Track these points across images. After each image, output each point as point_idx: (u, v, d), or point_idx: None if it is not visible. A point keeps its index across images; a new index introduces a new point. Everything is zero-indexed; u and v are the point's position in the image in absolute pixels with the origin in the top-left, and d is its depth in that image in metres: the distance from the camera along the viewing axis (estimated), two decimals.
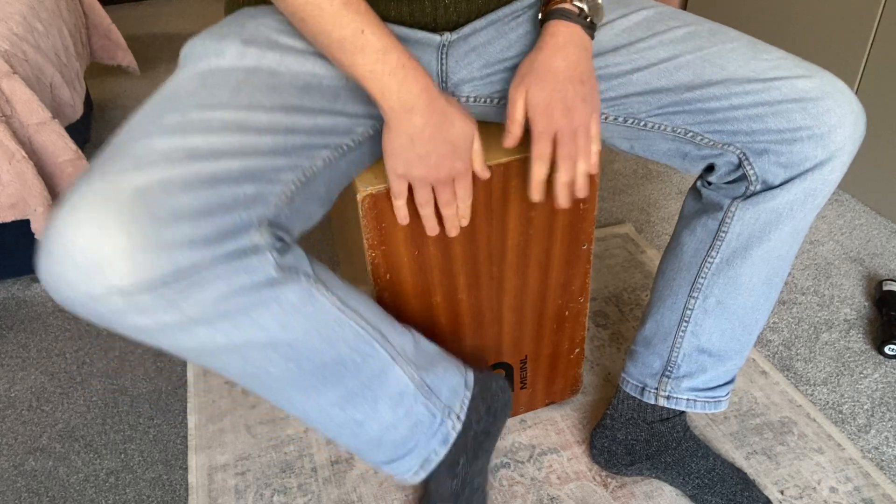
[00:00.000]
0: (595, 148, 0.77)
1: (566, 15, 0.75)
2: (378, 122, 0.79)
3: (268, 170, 0.67)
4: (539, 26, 0.78)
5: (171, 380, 1.27)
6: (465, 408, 0.87)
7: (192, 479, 1.08)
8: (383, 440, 0.81)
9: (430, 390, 0.83)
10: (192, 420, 1.18)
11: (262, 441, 1.14)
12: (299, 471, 1.09)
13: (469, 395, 0.88)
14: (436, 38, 0.80)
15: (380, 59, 0.68)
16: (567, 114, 0.74)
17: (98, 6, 2.05)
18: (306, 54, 0.74)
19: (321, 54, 0.74)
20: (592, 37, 0.77)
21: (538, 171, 0.76)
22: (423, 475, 0.86)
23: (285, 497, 1.05)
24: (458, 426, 0.86)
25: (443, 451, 0.85)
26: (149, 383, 1.26)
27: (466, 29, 0.81)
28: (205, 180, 0.61)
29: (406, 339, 0.82)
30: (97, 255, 0.55)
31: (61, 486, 1.10)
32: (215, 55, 0.71)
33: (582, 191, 0.78)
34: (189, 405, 1.20)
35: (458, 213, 0.80)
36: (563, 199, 0.78)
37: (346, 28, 0.67)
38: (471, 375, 0.90)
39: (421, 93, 0.70)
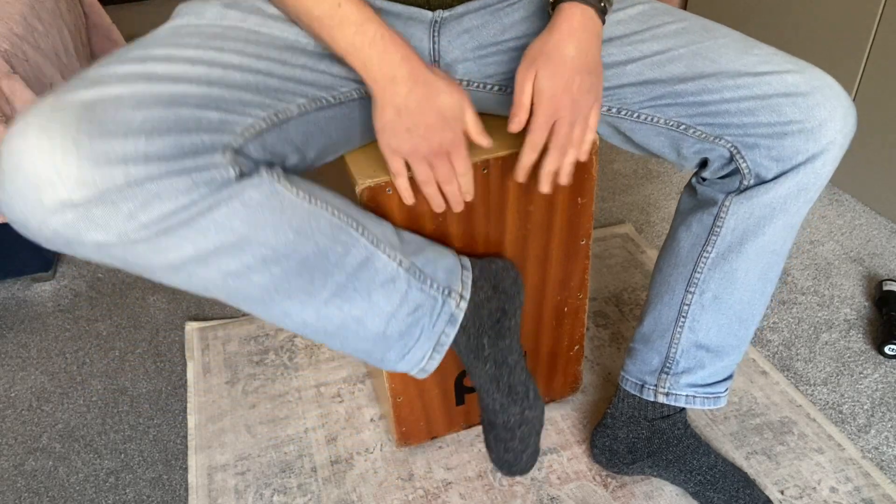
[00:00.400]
0: (590, 137, 0.78)
1: None
2: (363, 87, 0.79)
3: (234, 101, 0.67)
4: (550, 8, 0.77)
5: (171, 380, 1.26)
6: (468, 287, 0.85)
7: (192, 479, 1.08)
8: (388, 334, 0.79)
9: (423, 273, 0.81)
10: (192, 420, 1.18)
11: (262, 441, 1.14)
12: (299, 471, 1.09)
13: (469, 274, 0.86)
14: (427, 13, 0.81)
15: (358, 30, 0.69)
16: (571, 105, 0.74)
17: (98, 6, 2.05)
18: (291, 23, 0.74)
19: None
20: (604, 22, 0.77)
21: (528, 158, 0.77)
22: (437, 359, 0.84)
23: (285, 497, 1.05)
24: (464, 304, 0.84)
25: (452, 332, 0.84)
26: (149, 383, 1.26)
27: (459, 8, 0.81)
28: (161, 100, 0.61)
29: (386, 228, 0.80)
30: (46, 168, 0.55)
31: (61, 486, 1.10)
32: (195, 15, 0.73)
33: (565, 178, 0.78)
34: (189, 405, 1.20)
35: (461, 189, 0.79)
36: (545, 186, 0.78)
37: (324, 3, 0.68)
38: (465, 259, 0.88)
39: (402, 61, 0.70)
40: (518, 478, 1.06)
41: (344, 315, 0.75)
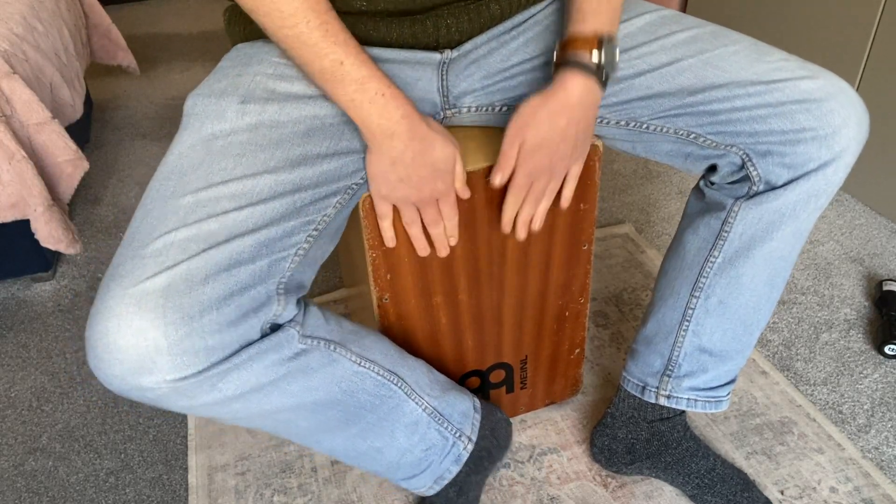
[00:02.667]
0: (567, 191, 0.83)
1: (584, 68, 0.74)
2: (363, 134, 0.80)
3: (280, 237, 0.70)
4: (553, 70, 0.77)
5: None
6: (476, 429, 0.93)
7: (192, 479, 1.08)
8: (401, 463, 0.88)
9: (443, 416, 0.89)
10: (192, 420, 1.18)
11: (262, 441, 1.14)
12: (299, 471, 1.09)
13: (479, 417, 0.94)
14: (436, 56, 0.80)
15: (359, 88, 0.69)
16: (551, 167, 0.78)
17: (98, 6, 2.05)
18: (305, 99, 0.75)
19: (320, 97, 0.75)
20: (604, 90, 0.77)
21: (509, 213, 0.82)
22: (436, 489, 0.92)
23: (285, 497, 1.05)
24: (471, 447, 0.92)
25: (455, 470, 0.92)
26: None
27: (468, 45, 0.81)
28: (222, 266, 0.66)
29: (419, 374, 0.88)
30: (142, 357, 0.62)
31: (61, 486, 1.10)
32: (216, 117, 0.73)
33: (538, 224, 0.84)
34: None
35: (446, 233, 0.82)
36: (522, 233, 0.84)
37: (325, 59, 0.68)
38: (476, 400, 0.96)
39: (401, 119, 0.71)
40: (518, 478, 1.06)
41: (367, 445, 0.84)
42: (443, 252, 0.84)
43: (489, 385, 1.07)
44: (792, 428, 1.12)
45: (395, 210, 0.81)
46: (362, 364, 0.79)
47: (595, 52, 0.74)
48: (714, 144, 0.80)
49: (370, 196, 0.82)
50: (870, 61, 1.53)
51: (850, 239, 1.53)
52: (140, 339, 0.62)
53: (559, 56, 0.76)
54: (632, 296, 1.40)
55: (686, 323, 0.90)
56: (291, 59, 0.72)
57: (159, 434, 1.17)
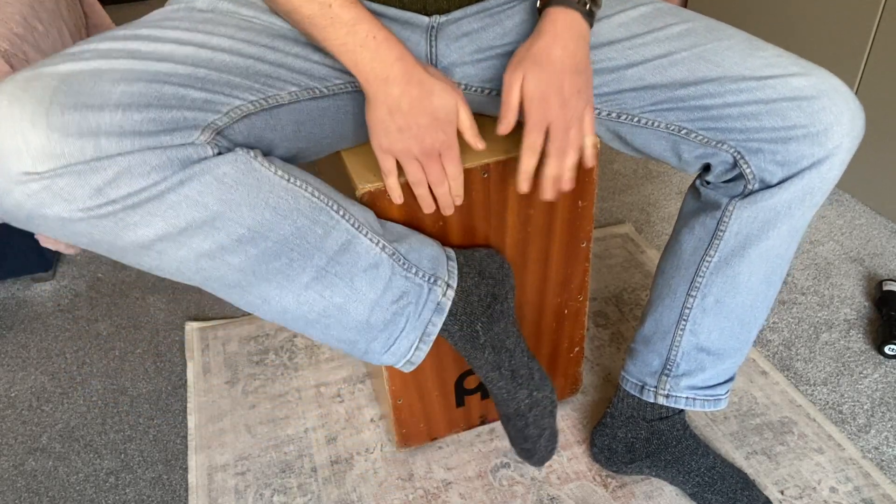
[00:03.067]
0: (589, 141, 0.77)
1: (566, 2, 0.75)
2: (357, 81, 0.77)
3: (221, 83, 0.66)
4: (538, 13, 0.77)
5: (171, 380, 1.27)
6: (454, 275, 0.84)
7: (192, 479, 1.08)
8: (371, 322, 0.77)
9: (407, 260, 0.79)
10: (192, 420, 1.18)
11: (262, 441, 1.14)
12: (299, 471, 1.09)
13: (454, 264, 0.85)
14: (424, 19, 0.80)
15: (350, 31, 0.68)
16: (562, 106, 0.73)
17: (98, 6, 2.05)
18: (280, 18, 0.74)
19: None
20: (591, 25, 0.76)
21: (527, 163, 0.75)
22: (424, 350, 0.82)
23: (285, 497, 1.05)
24: (451, 293, 0.82)
25: (439, 321, 0.82)
26: (149, 383, 1.26)
27: (457, 13, 0.81)
28: (143, 76, 0.60)
29: (368, 214, 0.79)
30: (14, 137, 0.54)
31: (61, 486, 1.10)
32: (186, 3, 0.73)
33: (568, 183, 0.77)
34: (189, 405, 1.20)
35: (451, 192, 0.78)
36: (549, 192, 0.76)
37: (314, 3, 0.67)
38: (449, 250, 0.87)
39: (395, 62, 0.69)
40: (518, 478, 1.06)
41: (325, 302, 0.74)
42: (447, 211, 0.80)
43: None
44: (792, 428, 1.12)
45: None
46: (292, 181, 0.69)
47: None
48: (705, 140, 0.80)
49: (368, 192, 0.81)
50: (870, 61, 1.53)
51: (850, 239, 1.53)
52: (15, 110, 0.54)
53: (542, 0, 0.76)
54: (632, 296, 1.40)
55: (683, 322, 0.90)
56: (279, 9, 0.71)
57: (159, 434, 1.17)
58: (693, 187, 0.89)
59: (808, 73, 0.75)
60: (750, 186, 0.80)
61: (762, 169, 0.78)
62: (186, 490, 1.08)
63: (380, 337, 0.79)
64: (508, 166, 0.85)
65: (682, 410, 0.98)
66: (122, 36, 0.65)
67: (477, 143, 0.75)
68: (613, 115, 0.83)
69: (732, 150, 0.79)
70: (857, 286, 1.41)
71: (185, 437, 1.16)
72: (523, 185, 0.76)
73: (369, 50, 0.69)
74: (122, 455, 1.14)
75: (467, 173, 0.83)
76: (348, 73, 0.77)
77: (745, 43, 0.78)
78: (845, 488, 1.03)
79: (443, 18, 0.80)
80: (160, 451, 1.14)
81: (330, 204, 0.73)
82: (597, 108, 0.84)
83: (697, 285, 0.87)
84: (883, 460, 1.07)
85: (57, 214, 0.57)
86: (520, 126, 0.76)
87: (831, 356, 1.25)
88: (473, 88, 0.86)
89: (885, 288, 1.32)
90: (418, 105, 0.70)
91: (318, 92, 0.77)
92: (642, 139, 0.84)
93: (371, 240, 0.75)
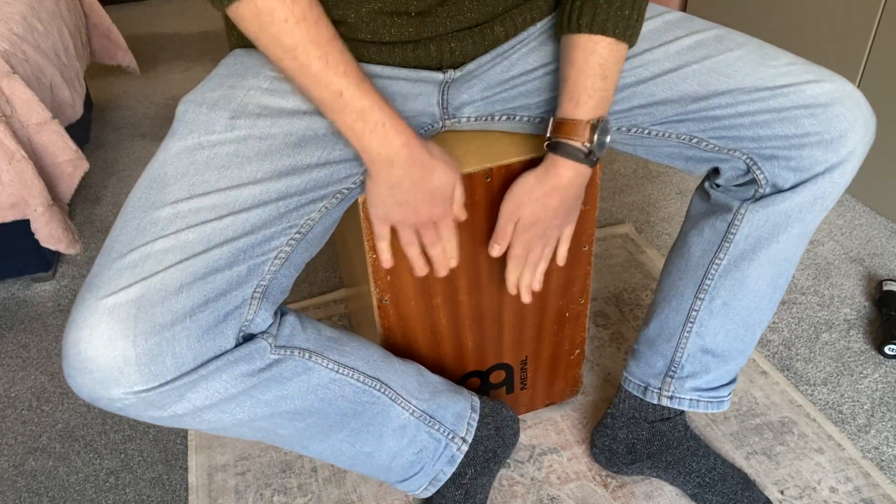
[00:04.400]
0: (562, 250, 0.87)
1: (574, 155, 0.76)
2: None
3: (259, 242, 0.70)
4: (545, 144, 0.78)
5: None
6: (473, 429, 0.93)
7: (192, 479, 1.08)
8: (392, 466, 0.88)
9: (433, 419, 0.88)
10: None
11: (261, 441, 1.14)
12: (299, 471, 1.09)
13: (476, 416, 0.94)
14: (439, 76, 0.80)
15: (359, 118, 0.69)
16: (543, 237, 0.83)
17: (98, 6, 2.05)
18: (300, 114, 0.74)
19: (314, 112, 0.74)
20: (594, 168, 0.80)
21: (512, 278, 0.86)
22: (432, 490, 0.93)
23: (285, 497, 1.05)
24: (465, 447, 0.92)
25: (450, 471, 0.92)
26: None
27: (471, 65, 0.81)
28: (198, 275, 0.66)
29: (406, 377, 0.87)
30: (110, 368, 0.63)
31: (61, 486, 1.10)
32: (205, 129, 0.71)
33: (537, 286, 0.87)
34: None
35: (446, 254, 0.81)
36: (526, 298, 0.87)
37: (326, 90, 0.68)
38: (476, 399, 0.96)
39: (401, 148, 0.70)
40: (518, 478, 1.06)
41: (356, 451, 0.84)
42: (442, 273, 0.83)
43: (489, 386, 1.07)
44: (792, 428, 1.12)
45: (393, 231, 0.80)
46: (340, 371, 0.79)
47: (587, 141, 0.75)
48: (717, 148, 0.80)
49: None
50: (870, 61, 1.53)
51: (850, 239, 1.53)
52: (109, 349, 0.62)
53: (552, 134, 0.77)
54: (632, 296, 1.40)
55: (690, 324, 0.89)
56: (293, 84, 0.72)
57: (159, 434, 1.17)
58: (701, 189, 0.89)
59: (821, 81, 0.75)
60: (762, 190, 0.80)
61: (775, 175, 0.78)
62: (186, 490, 1.08)
63: (396, 475, 0.90)
64: (511, 170, 0.85)
65: (683, 411, 0.98)
66: (166, 220, 0.67)
67: (461, 215, 0.80)
68: (623, 129, 0.83)
69: (745, 157, 0.79)
70: (857, 286, 1.41)
71: (185, 437, 1.16)
72: (513, 290, 0.87)
73: (377, 136, 0.70)
74: (122, 455, 1.14)
75: (470, 177, 0.84)
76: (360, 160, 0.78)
77: (757, 52, 0.77)
78: (845, 488, 1.03)
79: (458, 74, 0.81)
80: (160, 451, 1.14)
81: (372, 384, 0.82)
82: None
83: (706, 288, 0.87)
84: (883, 460, 1.07)
85: (149, 416, 0.67)
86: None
87: (831, 356, 1.26)
88: (483, 118, 0.87)
89: (885, 288, 1.32)
90: (419, 184, 0.73)
91: (345, 192, 0.78)
92: (651, 148, 0.85)
93: (404, 408, 0.85)
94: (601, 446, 1.03)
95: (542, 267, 0.86)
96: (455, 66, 0.80)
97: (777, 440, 1.10)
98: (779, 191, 0.79)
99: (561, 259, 0.87)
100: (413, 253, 0.81)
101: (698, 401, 0.93)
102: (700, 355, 0.91)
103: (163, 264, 0.65)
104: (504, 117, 0.87)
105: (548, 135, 0.77)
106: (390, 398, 0.83)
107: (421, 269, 0.82)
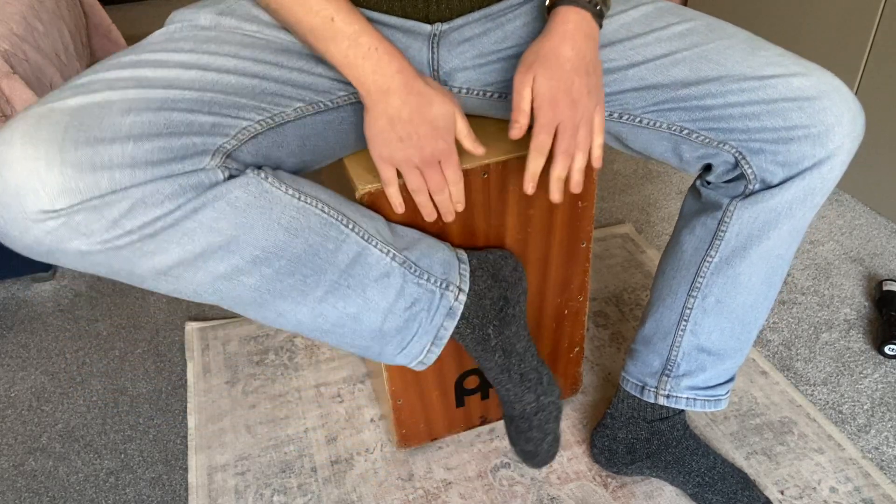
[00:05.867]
0: (598, 141, 0.76)
1: (577, 1, 0.74)
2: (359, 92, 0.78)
3: (228, 105, 0.67)
4: (546, 12, 0.77)
5: (171, 380, 1.27)
6: (466, 279, 0.84)
7: (192, 479, 1.08)
8: (385, 330, 0.79)
9: (418, 266, 0.80)
10: (192, 420, 1.18)
11: (262, 441, 1.14)
12: (299, 471, 1.09)
13: (466, 267, 0.85)
14: (426, 27, 0.80)
15: (352, 44, 0.69)
16: (572, 106, 0.72)
17: (98, 6, 2.05)
18: (286, 31, 0.74)
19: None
20: (601, 26, 0.76)
21: (534, 164, 0.74)
22: (436, 352, 0.84)
23: (285, 497, 1.05)
24: (463, 297, 0.83)
25: (451, 325, 0.83)
26: (149, 383, 1.26)
27: (459, 20, 0.81)
28: (152, 105, 0.61)
29: (378, 223, 0.80)
30: (30, 177, 0.55)
31: (61, 486, 1.10)
32: (190, 21, 0.73)
33: (576, 186, 0.76)
34: (189, 405, 1.20)
35: (452, 198, 0.79)
36: (556, 194, 0.76)
37: (316, 16, 0.68)
38: (462, 252, 0.87)
39: (395, 74, 0.70)
40: (518, 478, 1.06)
41: (339, 313, 0.75)
42: (449, 217, 0.80)
43: (488, 384, 1.07)
44: (792, 428, 1.12)
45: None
46: (302, 198, 0.71)
47: None
48: (707, 141, 0.80)
49: (369, 192, 0.81)
50: (870, 61, 1.53)
51: (850, 239, 1.53)
52: (29, 149, 0.55)
53: None
54: (632, 296, 1.40)
55: (684, 323, 0.90)
56: (282, 21, 0.72)
57: (159, 434, 1.17)
58: (693, 187, 0.89)
59: (809, 74, 0.75)
60: (751, 187, 0.80)
61: (763, 169, 0.78)
62: (186, 490, 1.08)
63: (393, 341, 0.81)
64: (508, 167, 0.85)
65: (682, 411, 0.98)
66: (127, 63, 0.66)
67: (476, 148, 0.76)
68: (615, 115, 0.83)
69: (734, 151, 0.79)
70: (857, 286, 1.41)
71: (185, 437, 1.16)
72: (529, 186, 0.75)
73: (371, 62, 0.69)
74: (122, 455, 1.14)
75: (467, 174, 0.83)
76: (350, 84, 0.77)
77: (747, 42, 0.78)
78: (845, 488, 1.03)
79: (445, 26, 0.80)
80: (160, 451, 1.14)
81: (339, 218, 0.74)
82: None
83: (698, 286, 0.87)
84: (883, 460, 1.07)
85: (76, 248, 0.58)
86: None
87: (831, 356, 1.25)
88: (475, 92, 0.86)
89: (885, 288, 1.32)
90: (418, 114, 0.71)
91: (322, 106, 0.77)
92: (644, 140, 0.84)
93: (381, 250, 0.76)
94: (601, 447, 1.03)
95: (580, 162, 0.74)
96: (443, 20, 0.80)
97: (777, 440, 1.10)
98: (768, 187, 0.79)
99: (596, 159, 0.76)
100: (422, 199, 0.77)
101: (695, 399, 0.93)
102: (695, 354, 0.91)
103: (112, 87, 0.60)
104: (498, 94, 0.86)
105: (547, 3, 0.77)
106: (363, 238, 0.75)
107: (430, 213, 0.79)
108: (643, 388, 0.96)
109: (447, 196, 0.78)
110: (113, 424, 1.19)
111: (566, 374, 1.13)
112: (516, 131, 0.73)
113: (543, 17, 0.81)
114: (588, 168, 0.88)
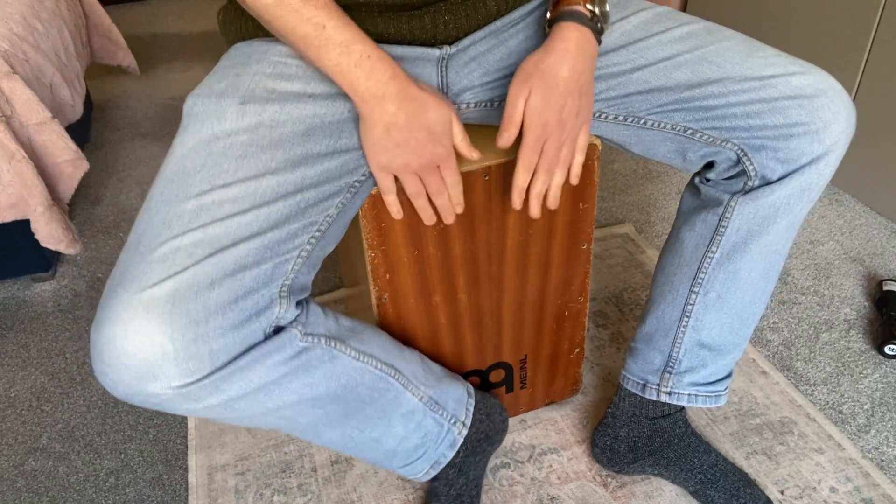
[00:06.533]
0: (579, 159, 0.79)
1: (578, 17, 0.74)
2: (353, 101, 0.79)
3: (283, 239, 0.70)
4: (547, 25, 0.77)
5: None
6: (471, 414, 0.95)
7: (192, 479, 1.08)
8: (397, 451, 0.89)
9: (438, 404, 0.90)
10: (192, 420, 1.18)
11: (262, 441, 1.14)
12: (299, 471, 1.09)
13: (472, 402, 0.96)
14: (435, 52, 0.80)
15: (344, 52, 0.69)
16: (560, 127, 0.75)
17: (98, 6, 2.05)
18: (305, 98, 0.74)
19: (320, 96, 0.75)
20: (599, 43, 0.77)
21: (522, 179, 0.77)
22: (433, 474, 0.94)
23: (285, 497, 1.05)
24: (465, 431, 0.94)
25: (450, 454, 0.94)
26: None
27: (466, 41, 0.81)
28: (228, 271, 0.66)
29: (415, 365, 0.89)
30: (148, 363, 0.63)
31: (61, 486, 1.10)
32: (217, 118, 0.72)
33: (553, 202, 0.79)
34: None
35: (451, 201, 0.79)
36: (535, 209, 0.79)
37: (308, 24, 0.68)
38: (470, 386, 0.98)
39: (389, 80, 0.70)
40: (518, 478, 1.06)
41: (365, 436, 0.85)
42: (449, 220, 0.81)
43: (489, 384, 1.07)
44: (792, 428, 1.12)
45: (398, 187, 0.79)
46: (361, 359, 0.80)
47: (588, 3, 0.75)
48: (711, 139, 0.81)
49: (369, 195, 0.81)
50: (870, 61, 1.53)
51: (850, 239, 1.53)
52: (147, 345, 0.62)
53: (552, 12, 0.77)
54: (632, 296, 1.40)
55: (686, 319, 0.90)
56: (274, 30, 0.71)
57: (159, 434, 1.17)
58: (692, 184, 0.90)
59: (806, 73, 0.77)
60: (751, 183, 0.81)
61: (764, 166, 0.79)
62: (186, 490, 1.08)
63: (400, 459, 0.91)
64: (509, 168, 0.85)
65: (683, 408, 0.99)
66: (194, 216, 0.67)
67: (471, 153, 0.77)
68: (620, 118, 0.84)
69: (736, 148, 0.80)
70: (857, 286, 1.41)
71: (185, 437, 1.16)
72: (517, 201, 0.78)
73: (364, 70, 0.69)
74: (122, 455, 1.14)
75: (468, 176, 0.84)
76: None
77: (745, 44, 0.80)
78: (845, 488, 1.03)
79: (453, 49, 0.81)
80: (160, 451, 1.14)
81: (388, 371, 0.83)
82: (604, 112, 0.85)
83: (700, 281, 0.88)
84: (883, 460, 1.07)
85: (184, 408, 0.67)
86: (519, 136, 0.76)
87: (831, 356, 1.26)
88: (483, 105, 0.87)
89: (885, 288, 1.32)
90: (414, 120, 0.72)
91: (358, 184, 0.78)
92: (648, 141, 0.85)
93: (414, 394, 0.87)
94: (602, 446, 1.03)
95: (560, 177, 0.78)
96: (450, 42, 0.80)
97: (777, 440, 1.10)
98: (767, 183, 0.80)
99: (574, 176, 0.80)
100: (421, 203, 0.79)
101: (696, 395, 0.94)
102: (697, 350, 0.91)
103: (193, 258, 0.65)
104: (502, 104, 0.86)
105: (548, 16, 0.77)
106: (402, 385, 0.85)
107: (430, 217, 0.81)
108: (645, 385, 0.96)
109: (446, 199, 0.79)
110: (113, 424, 1.19)
111: (566, 375, 1.13)
112: (504, 140, 0.75)
113: (544, 32, 0.81)
114: (589, 169, 0.88)
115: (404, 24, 0.77)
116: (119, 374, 0.63)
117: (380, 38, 0.78)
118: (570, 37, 0.74)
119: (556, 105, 0.74)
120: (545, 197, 0.79)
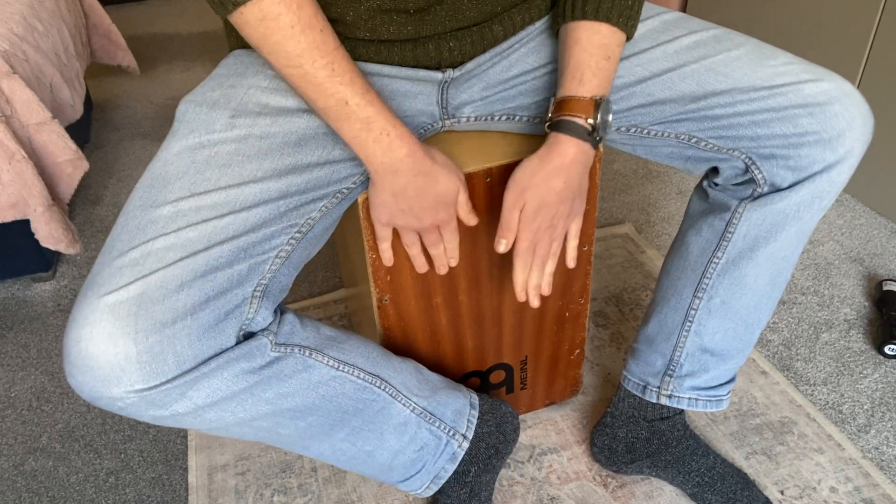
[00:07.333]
0: (573, 243, 0.83)
1: (578, 132, 0.74)
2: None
3: (260, 241, 0.70)
4: (547, 127, 0.76)
5: None
6: (473, 426, 0.93)
7: (192, 479, 1.08)
8: (393, 464, 0.87)
9: (433, 415, 0.88)
10: None
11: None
12: (299, 471, 1.09)
13: (476, 413, 0.94)
14: (438, 75, 0.80)
15: (364, 127, 0.69)
16: (551, 229, 0.78)
17: (98, 6, 2.05)
18: (299, 112, 0.74)
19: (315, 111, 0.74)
20: (596, 150, 0.77)
21: (522, 276, 0.80)
22: (434, 489, 0.92)
23: (285, 497, 1.05)
24: (466, 444, 0.92)
25: (451, 468, 0.92)
26: None
27: (470, 65, 0.81)
28: (199, 273, 0.66)
29: (406, 375, 0.87)
30: (111, 366, 0.62)
31: (61, 486, 1.10)
32: (205, 128, 0.71)
33: (546, 288, 0.82)
34: None
35: (447, 254, 0.82)
36: (535, 301, 0.82)
37: (331, 98, 0.68)
38: (475, 397, 0.95)
39: (405, 157, 0.71)
40: (518, 478, 1.06)
41: (356, 449, 0.84)
42: (442, 271, 0.84)
43: (489, 386, 1.07)
44: (792, 428, 1.12)
45: (395, 233, 0.81)
46: (340, 368, 0.78)
47: (590, 117, 0.74)
48: (716, 148, 0.80)
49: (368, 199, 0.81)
50: (870, 61, 1.53)
51: (850, 239, 1.53)
52: (110, 347, 0.62)
53: (554, 114, 0.75)
54: (632, 296, 1.40)
55: (689, 323, 0.90)
56: (294, 89, 0.71)
57: (159, 434, 1.17)
58: (700, 188, 0.89)
59: (819, 80, 0.75)
60: (760, 189, 0.80)
61: (773, 174, 0.78)
62: (186, 490, 1.08)
63: (398, 474, 0.89)
64: (510, 170, 0.85)
65: (682, 411, 0.98)
66: (171, 220, 0.67)
67: (471, 220, 0.80)
68: (623, 129, 0.83)
69: (744, 157, 0.79)
70: (857, 286, 1.41)
71: (185, 437, 1.16)
72: (522, 295, 0.81)
73: (382, 146, 0.70)
74: (122, 455, 1.14)
75: (471, 177, 0.84)
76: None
77: (756, 52, 0.78)
78: (845, 488, 1.03)
79: (456, 73, 0.81)
80: (160, 451, 1.14)
81: (372, 381, 0.81)
82: None
83: (704, 286, 0.87)
84: (883, 460, 1.07)
85: (151, 415, 0.67)
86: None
87: (831, 356, 1.26)
88: (483, 118, 0.87)
89: (885, 288, 1.32)
90: (423, 192, 0.73)
91: (345, 191, 0.78)
92: (651, 147, 0.85)
93: (404, 404, 0.85)
94: (601, 445, 1.03)
95: (551, 267, 0.82)
96: (454, 66, 0.80)
97: (777, 440, 1.10)
98: (777, 189, 0.79)
99: (570, 260, 0.84)
100: (414, 252, 0.82)
101: (697, 399, 0.93)
102: (699, 354, 0.91)
103: (164, 262, 0.65)
104: (504, 117, 0.87)
105: (549, 115, 0.77)
106: (391, 395, 0.83)
107: (421, 266, 0.83)
108: (645, 387, 0.96)
109: (441, 251, 0.81)
110: (113, 424, 1.19)
111: (566, 376, 1.13)
112: (504, 247, 0.78)
113: (544, 45, 0.81)
114: (590, 169, 0.88)
115: (408, 51, 0.77)
116: (84, 376, 0.63)
117: (383, 63, 0.77)
118: (568, 152, 0.74)
119: (550, 213, 0.77)
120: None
